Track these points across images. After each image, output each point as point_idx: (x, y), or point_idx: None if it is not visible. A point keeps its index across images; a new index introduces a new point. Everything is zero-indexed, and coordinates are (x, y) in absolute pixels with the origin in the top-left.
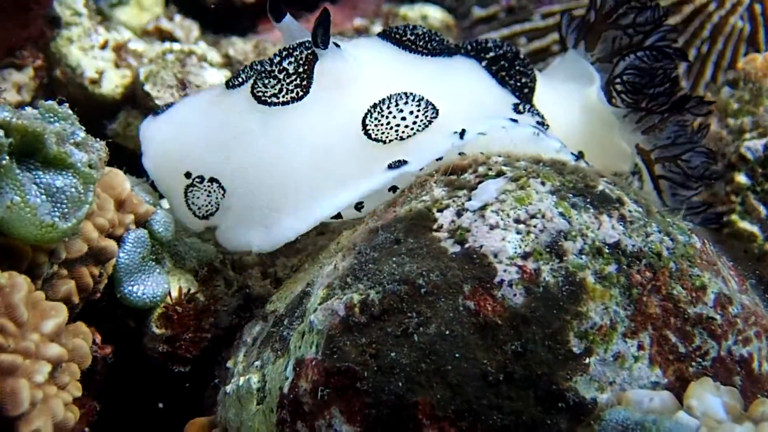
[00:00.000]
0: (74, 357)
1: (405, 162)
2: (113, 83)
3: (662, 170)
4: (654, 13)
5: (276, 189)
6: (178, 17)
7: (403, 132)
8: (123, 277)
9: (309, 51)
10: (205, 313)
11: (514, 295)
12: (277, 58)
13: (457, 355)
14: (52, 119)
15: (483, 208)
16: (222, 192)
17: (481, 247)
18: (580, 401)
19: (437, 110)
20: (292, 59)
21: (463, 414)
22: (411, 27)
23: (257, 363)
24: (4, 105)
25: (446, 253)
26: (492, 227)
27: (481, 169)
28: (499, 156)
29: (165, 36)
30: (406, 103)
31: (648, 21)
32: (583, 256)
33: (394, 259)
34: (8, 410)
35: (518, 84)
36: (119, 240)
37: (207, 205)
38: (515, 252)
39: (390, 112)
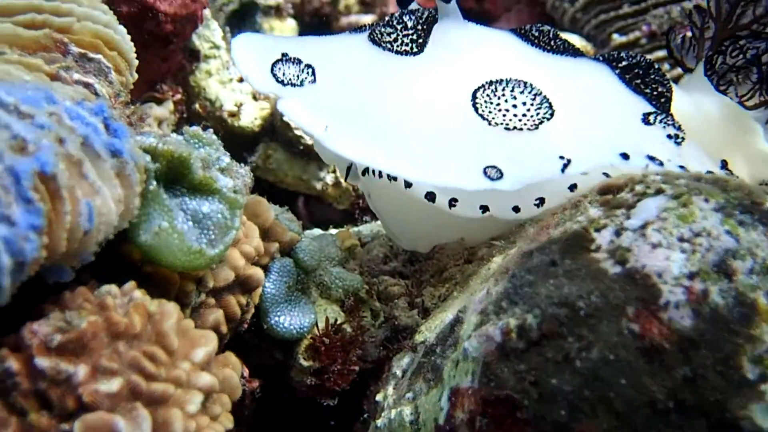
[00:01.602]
0: (225, 388)
1: (500, 173)
2: (252, 116)
3: None
4: None
5: (366, 113)
6: None
7: (510, 121)
8: (270, 307)
9: (431, 13)
10: (353, 344)
11: (682, 317)
12: (398, 14)
13: (622, 381)
14: (197, 145)
15: (644, 226)
16: (312, 78)
17: (644, 267)
18: (757, 431)
19: (552, 111)
20: (413, 16)
21: None
22: (537, 25)
23: (409, 395)
24: (150, 132)
25: (607, 274)
26: (654, 246)
27: (639, 188)
28: (657, 174)
29: None
30: (522, 92)
31: None
32: (754, 276)
33: (551, 281)
34: None
35: (654, 93)
36: (265, 269)
37: (293, 77)
38: (681, 272)
39: (503, 95)
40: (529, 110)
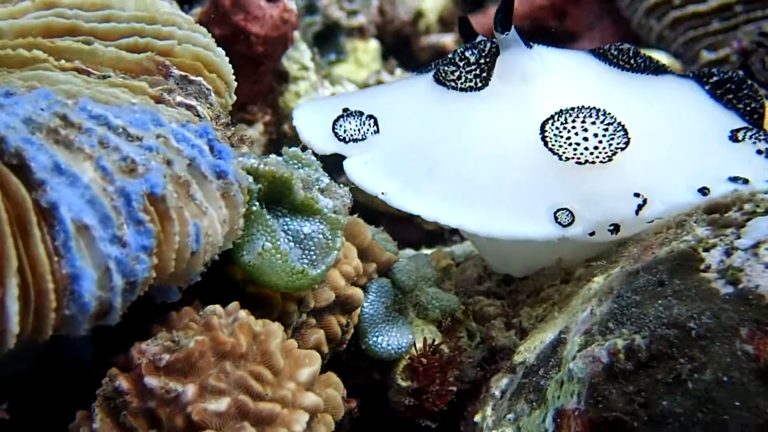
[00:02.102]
0: (328, 407)
1: (571, 217)
2: None
3: None
4: None
5: (432, 161)
6: (399, 71)
7: (581, 155)
8: (368, 327)
9: (493, 44)
10: (450, 364)
11: None
12: (461, 48)
13: (736, 403)
14: (296, 166)
15: (756, 246)
16: (375, 129)
17: (757, 287)
18: None
19: (628, 140)
20: (475, 50)
21: None
22: (617, 43)
23: (510, 416)
24: (250, 153)
25: (718, 295)
26: None
27: (748, 207)
28: (766, 193)
29: None
30: (594, 122)
31: None
32: None
33: (659, 301)
34: None
35: (748, 108)
36: (363, 289)
37: (354, 131)
38: None
39: (573, 126)
40: (601, 142)
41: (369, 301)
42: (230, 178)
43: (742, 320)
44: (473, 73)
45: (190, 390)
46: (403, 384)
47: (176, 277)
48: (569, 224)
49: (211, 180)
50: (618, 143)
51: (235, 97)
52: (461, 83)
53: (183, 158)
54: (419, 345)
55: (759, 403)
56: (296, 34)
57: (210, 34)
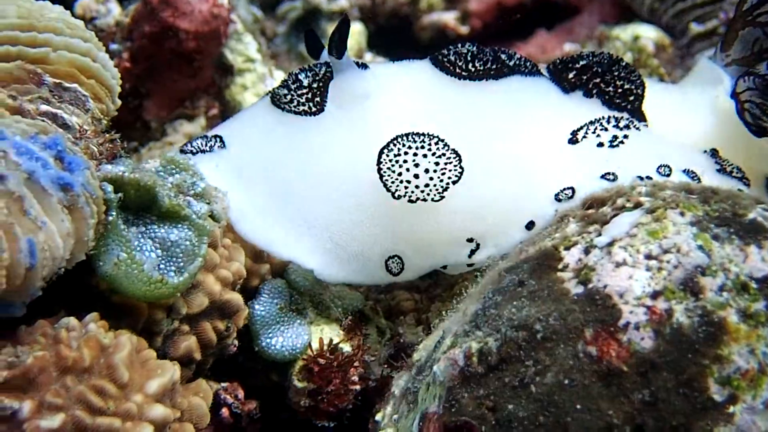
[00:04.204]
0: (191, 416)
1: (401, 266)
2: None
3: None
4: None
5: (273, 184)
6: (369, 55)
7: (412, 193)
8: (260, 329)
9: (328, 68)
10: (350, 364)
11: (642, 338)
12: (295, 71)
13: (578, 406)
14: (173, 171)
15: (611, 244)
16: (221, 143)
17: (606, 287)
18: None
19: (461, 170)
20: (309, 73)
21: None
22: (457, 46)
23: (395, 417)
24: (124, 159)
25: (568, 295)
26: (618, 265)
27: (620, 201)
28: (644, 186)
29: None
30: (426, 155)
31: None
32: (724, 293)
33: (514, 302)
34: None
35: (618, 91)
36: (255, 291)
37: (201, 145)
38: (643, 291)
39: (405, 161)
40: (432, 178)
41: (260, 302)
42: (76, 191)
43: (587, 321)
44: (305, 96)
45: (26, 407)
46: (300, 385)
47: (14, 293)
48: (399, 272)
49: (52, 193)
50: (450, 177)
51: (119, 102)
52: (294, 106)
53: (21, 172)
54: (316, 345)
55: (601, 405)
56: (239, 26)
57: (95, 38)
